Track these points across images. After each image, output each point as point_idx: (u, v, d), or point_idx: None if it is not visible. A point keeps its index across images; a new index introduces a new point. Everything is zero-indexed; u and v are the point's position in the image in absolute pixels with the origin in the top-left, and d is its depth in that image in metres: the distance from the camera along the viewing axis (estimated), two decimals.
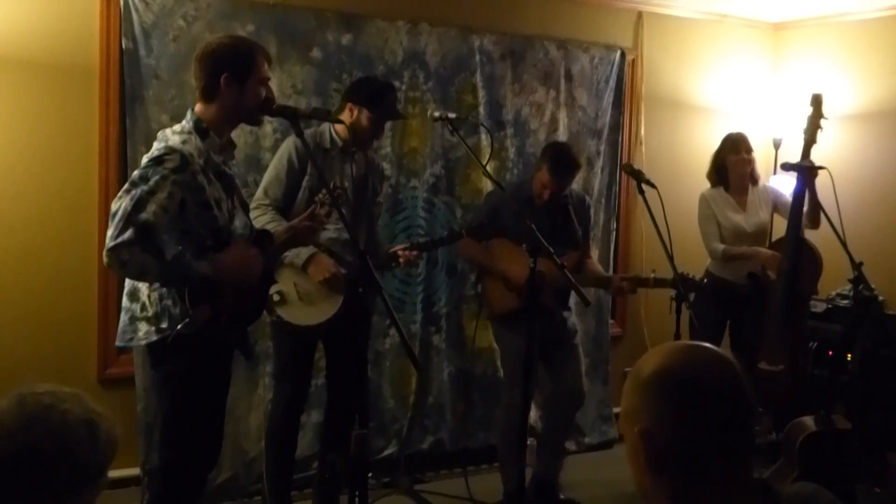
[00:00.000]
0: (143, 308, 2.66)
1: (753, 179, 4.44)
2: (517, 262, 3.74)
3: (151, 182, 2.52)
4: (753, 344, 4.24)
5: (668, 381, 1.26)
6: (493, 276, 3.94)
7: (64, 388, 1.41)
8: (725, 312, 4.43)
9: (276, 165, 3.55)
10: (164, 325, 2.62)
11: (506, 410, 3.96)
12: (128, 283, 2.73)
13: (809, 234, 4.21)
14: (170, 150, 2.56)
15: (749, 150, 4.40)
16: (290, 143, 3.53)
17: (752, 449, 1.28)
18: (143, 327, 2.66)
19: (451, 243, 3.79)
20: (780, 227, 4.41)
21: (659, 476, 1.26)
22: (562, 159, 3.82)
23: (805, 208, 4.13)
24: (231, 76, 2.66)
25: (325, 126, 3.56)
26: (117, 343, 2.81)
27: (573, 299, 4.08)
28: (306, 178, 3.46)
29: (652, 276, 3.84)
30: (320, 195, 2.88)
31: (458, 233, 3.72)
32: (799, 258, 4.13)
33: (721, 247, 4.32)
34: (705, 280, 4.15)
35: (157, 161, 2.55)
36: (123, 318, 2.73)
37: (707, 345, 1.32)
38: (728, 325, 4.46)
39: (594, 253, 4.52)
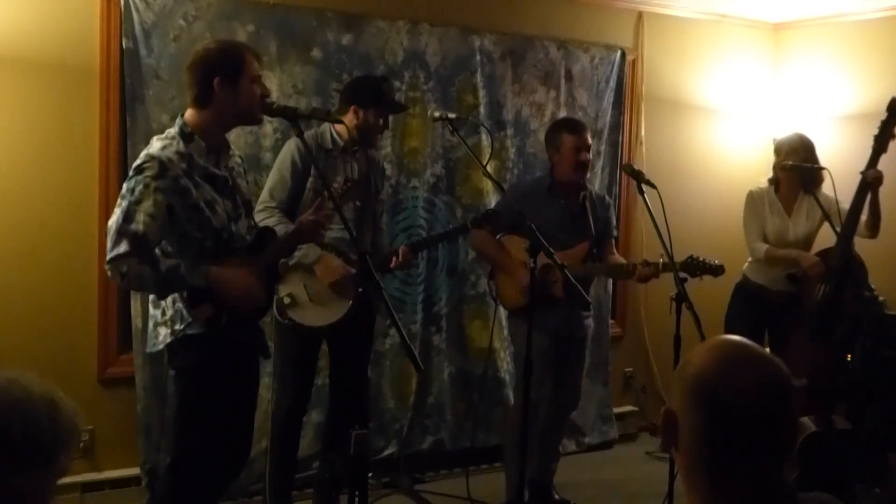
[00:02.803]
0: (163, 313, 2.75)
1: (806, 187, 4.19)
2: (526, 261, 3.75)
3: (136, 192, 2.57)
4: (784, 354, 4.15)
5: (700, 385, 1.29)
6: (504, 270, 3.91)
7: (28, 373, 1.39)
8: (760, 321, 4.24)
9: (279, 167, 3.55)
10: (177, 328, 2.71)
11: (516, 407, 3.93)
12: None
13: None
14: (149, 158, 2.61)
15: (794, 156, 4.13)
16: (291, 145, 3.54)
17: (782, 453, 1.30)
18: (162, 331, 2.75)
19: (456, 238, 3.81)
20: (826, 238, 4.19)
21: (677, 452, 1.34)
22: (569, 120, 4.17)
23: (864, 216, 3.95)
24: (223, 79, 2.68)
25: (326, 126, 3.57)
26: (147, 350, 2.98)
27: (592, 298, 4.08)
28: (310, 178, 3.47)
29: (661, 260, 3.76)
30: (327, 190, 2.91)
31: (464, 226, 3.72)
32: (847, 271, 3.94)
33: (764, 246, 4.14)
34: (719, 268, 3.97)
35: (138, 170, 2.61)
36: (149, 325, 2.83)
37: (756, 349, 1.34)
38: (766, 334, 4.27)
39: None
